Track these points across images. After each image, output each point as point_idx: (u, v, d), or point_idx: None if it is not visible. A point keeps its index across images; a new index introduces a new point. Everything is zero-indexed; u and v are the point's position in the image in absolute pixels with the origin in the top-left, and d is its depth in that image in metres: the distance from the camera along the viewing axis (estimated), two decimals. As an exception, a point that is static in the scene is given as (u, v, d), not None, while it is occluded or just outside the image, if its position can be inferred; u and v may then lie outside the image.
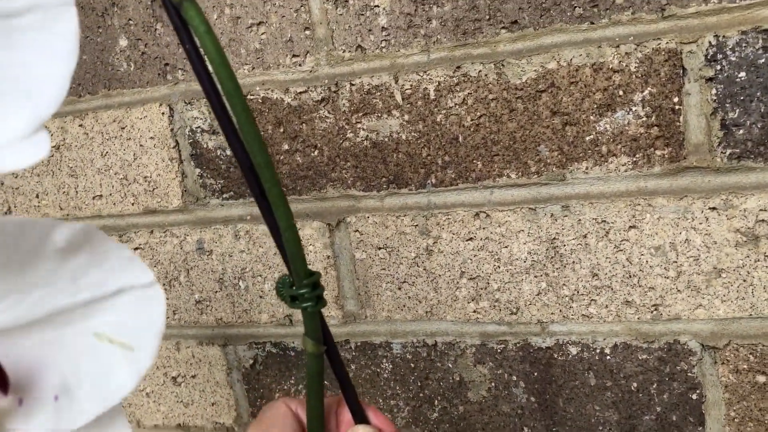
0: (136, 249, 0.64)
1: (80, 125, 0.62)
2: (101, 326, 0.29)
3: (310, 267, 0.57)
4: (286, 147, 0.56)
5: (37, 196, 0.65)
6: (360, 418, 0.38)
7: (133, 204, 0.62)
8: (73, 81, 0.61)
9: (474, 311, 0.55)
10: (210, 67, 0.32)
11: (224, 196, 0.59)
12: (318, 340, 0.36)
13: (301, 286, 0.34)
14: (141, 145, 0.61)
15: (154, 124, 0.60)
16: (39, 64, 0.27)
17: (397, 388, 0.59)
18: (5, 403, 0.27)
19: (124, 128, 0.61)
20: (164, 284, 0.63)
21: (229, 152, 0.58)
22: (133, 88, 0.59)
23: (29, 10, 0.27)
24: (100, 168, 0.62)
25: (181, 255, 0.62)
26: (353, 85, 0.53)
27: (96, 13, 0.59)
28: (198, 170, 0.59)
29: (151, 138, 0.60)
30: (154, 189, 0.61)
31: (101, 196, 0.63)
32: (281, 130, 0.56)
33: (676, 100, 0.47)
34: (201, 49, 0.31)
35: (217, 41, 0.30)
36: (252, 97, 0.56)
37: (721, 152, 0.46)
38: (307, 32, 0.54)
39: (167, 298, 0.64)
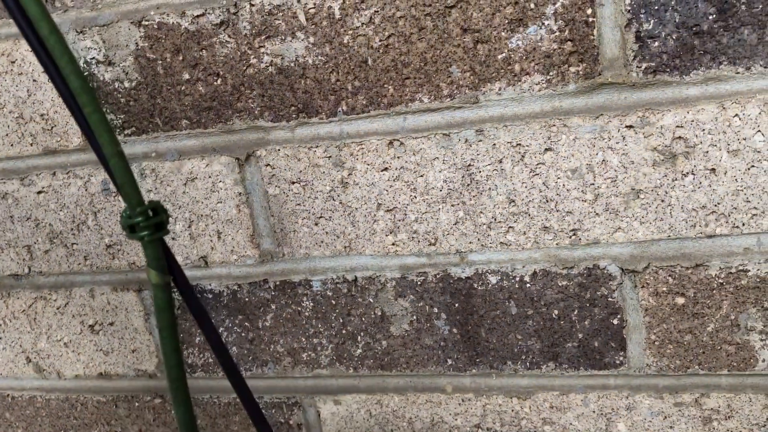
0: (39, 192, 0.60)
1: (-33, 60, 0.57)
2: None
3: (220, 205, 0.55)
4: (186, 76, 0.53)
5: (-71, 140, 0.61)
6: (222, 356, 0.36)
7: (31, 144, 0.58)
8: (-46, 11, 0.56)
9: (393, 244, 0.53)
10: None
11: (126, 132, 0.55)
12: (161, 270, 0.33)
13: (136, 215, 0.32)
14: (34, 80, 0.56)
15: (45, 56, 0.55)
16: None
17: (320, 326, 0.57)
18: None
19: (14, 62, 0.56)
20: (72, 228, 0.60)
21: (127, 84, 0.54)
22: (20, 17, 0.55)
23: None
24: (-8, 107, 0.58)
25: (87, 197, 0.59)
26: (253, 5, 0.49)
27: (-28, -65, 0.54)
28: (97, 105, 0.55)
29: (44, 72, 0.56)
30: (52, 128, 0.57)
31: (-3, 137, 0.59)
32: (180, 58, 0.52)
33: (589, 11, 0.44)
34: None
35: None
36: (147, 22, 0.52)
37: (637, 66, 0.44)
38: (201, -51, 0.49)
39: (76, 243, 0.60)
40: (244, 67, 0.51)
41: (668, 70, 0.44)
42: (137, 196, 0.32)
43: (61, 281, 0.63)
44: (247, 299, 0.58)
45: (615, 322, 0.50)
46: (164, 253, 0.34)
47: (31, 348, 0.66)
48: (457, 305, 0.53)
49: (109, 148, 0.31)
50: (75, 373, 0.66)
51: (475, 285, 0.52)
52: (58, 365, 0.66)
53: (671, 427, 0.52)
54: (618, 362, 0.51)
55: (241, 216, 0.55)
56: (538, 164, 0.48)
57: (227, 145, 0.54)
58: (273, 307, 0.58)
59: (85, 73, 0.55)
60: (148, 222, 0.32)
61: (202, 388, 0.63)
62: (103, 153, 0.32)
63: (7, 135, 0.59)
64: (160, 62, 0.53)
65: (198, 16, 0.51)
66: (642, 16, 0.43)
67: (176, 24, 0.51)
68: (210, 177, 0.55)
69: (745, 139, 0.44)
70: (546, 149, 0.47)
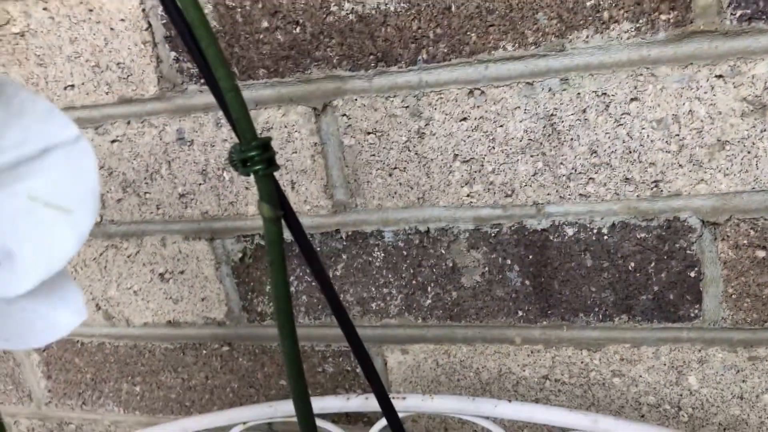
0: (113, 141, 0.61)
1: (44, 8, 0.58)
2: (35, 189, 0.27)
3: (295, 155, 0.55)
4: (265, 24, 0.53)
5: (5, 89, 0.62)
6: (328, 292, 0.37)
7: (107, 93, 0.59)
8: (33, -41, 0.57)
9: (467, 195, 0.53)
10: None
11: (202, 81, 0.56)
12: (274, 205, 0.34)
13: (250, 149, 0.32)
14: (111, 29, 0.57)
15: (124, 4, 0.56)
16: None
17: (390, 276, 0.58)
18: None
19: (92, 10, 0.57)
20: (145, 178, 0.61)
21: (205, 33, 0.54)
22: (99, -36, 0.55)
23: None
24: (69, 55, 0.59)
25: (161, 146, 0.59)
26: (336, -47, 0.49)
27: None
28: (173, 53, 0.56)
29: (122, 20, 0.56)
30: (128, 76, 0.58)
31: (73, 86, 0.60)
32: (260, 5, 0.52)
33: (684, -43, 0.43)
34: None
35: None
36: (227, -30, 0.52)
37: (731, 14, 0.44)
38: None
39: (149, 192, 0.61)
40: (324, 15, 0.51)
41: (764, 17, 0.43)
42: (252, 130, 0.32)
43: (132, 230, 0.64)
44: (318, 249, 0.59)
45: (692, 274, 0.50)
46: (275, 189, 0.34)
47: (101, 295, 0.68)
48: (531, 257, 0.53)
49: (226, 82, 0.32)
50: (144, 320, 0.67)
51: (551, 237, 0.52)
52: (127, 313, 0.67)
53: (744, 380, 0.52)
54: (692, 315, 0.51)
55: (315, 166, 0.56)
56: (622, 114, 0.48)
57: (304, 95, 0.54)
58: (344, 257, 0.58)
59: (164, 21, 0.55)
60: (262, 156, 0.32)
61: (271, 336, 0.64)
62: (219, 87, 0.32)
63: (83, 84, 0.59)
64: (239, 10, 0.53)
65: (279, -37, 0.51)
66: (740, -39, 0.42)
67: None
68: (286, 127, 0.55)
69: (840, 89, 0.43)
70: (632, 99, 0.47)
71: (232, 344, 0.66)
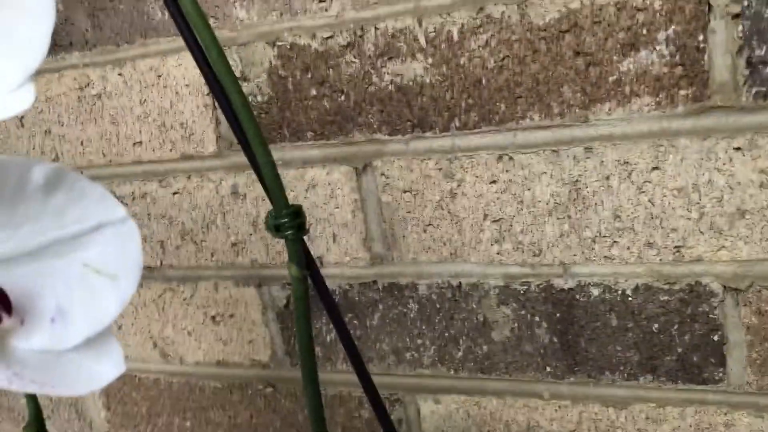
0: (175, 193, 0.66)
1: (119, 74, 0.64)
2: (88, 259, 0.32)
3: (337, 210, 0.59)
4: (314, 92, 0.58)
5: (82, 144, 0.68)
6: (348, 346, 0.40)
7: (171, 150, 0.65)
8: (112, 31, 0.64)
9: (497, 253, 0.56)
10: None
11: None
12: (301, 265, 0.38)
13: (281, 216, 0.36)
14: (177, 93, 0.63)
15: (188, 71, 0.62)
16: (23, 24, 0.29)
17: (423, 327, 0.61)
18: (9, 323, 0.30)
19: (160, 76, 0.63)
20: (202, 227, 0.66)
21: (260, 98, 0.60)
22: (168, 36, 0.61)
23: None
24: (139, 115, 0.65)
25: (217, 199, 0.64)
26: (378, 29, 0.54)
27: (131, -36, 0.61)
28: (231, 116, 0.61)
29: (186, 85, 0.62)
30: (190, 135, 0.64)
31: (141, 142, 0.66)
32: (309, 75, 0.57)
33: (701, 38, 0.46)
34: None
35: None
36: (280, 43, 0.57)
37: (747, 91, 0.46)
38: (333, -23, 0.54)
39: (205, 240, 0.66)
40: (366, 85, 0.56)
41: (779, 94, 0.45)
42: (284, 199, 0.37)
43: (188, 275, 0.69)
44: (356, 299, 0.62)
45: (715, 338, 0.51)
46: (303, 251, 0.38)
47: (158, 334, 0.73)
48: (558, 315, 0.56)
49: (263, 157, 0.36)
50: (196, 359, 0.72)
51: (577, 296, 0.54)
52: (181, 351, 0.72)
53: (770, 446, 0.53)
54: (717, 378, 0.52)
55: (355, 221, 0.60)
56: (644, 182, 0.50)
57: (347, 156, 0.58)
58: (380, 307, 0.62)
59: (223, 87, 0.61)
60: (293, 223, 0.36)
61: (311, 380, 0.67)
62: (257, 161, 0.36)
63: (150, 141, 0.65)
64: (291, 79, 0.58)
65: (327, 38, 0.56)
66: (754, 42, 0.45)
67: (307, 45, 0.56)
68: (330, 184, 0.60)
69: None
70: (653, 168, 0.49)
71: (275, 386, 0.69)
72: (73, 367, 0.32)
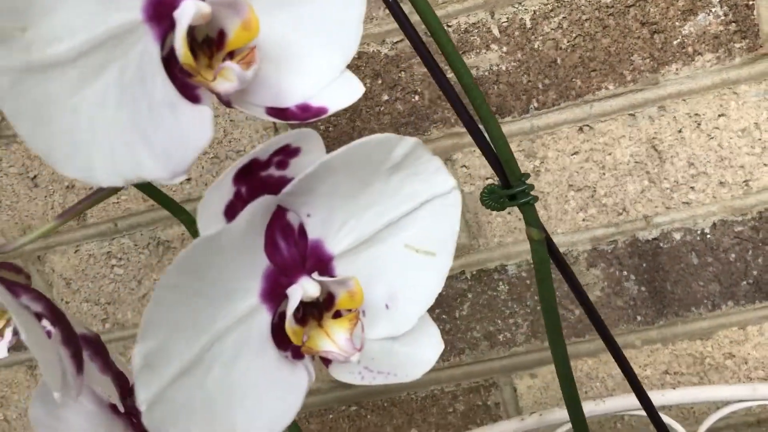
0: (232, 226, 0.64)
1: (161, 111, 0.61)
2: (408, 238, 0.32)
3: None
4: (385, 97, 0.59)
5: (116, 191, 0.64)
6: (587, 306, 0.42)
7: (225, 181, 0.63)
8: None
9: (583, 220, 0.60)
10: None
11: (326, 155, 0.61)
12: (540, 228, 0.40)
13: (520, 184, 0.38)
14: (231, 120, 0.61)
15: (243, 96, 0.60)
16: (336, 12, 0.30)
17: (515, 306, 0.63)
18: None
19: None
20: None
21: (327, 112, 0.60)
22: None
23: None
24: (187, 151, 0.62)
25: (284, 223, 0.63)
26: (450, 26, 0.57)
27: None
28: (296, 135, 0.61)
29: (242, 111, 0.61)
30: (247, 162, 0.62)
31: (190, 179, 0.63)
32: (379, 81, 0.59)
33: (750, -4, 0.54)
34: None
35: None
36: (348, 53, 0.58)
37: (792, 36, 0.54)
38: (400, -17, 0.56)
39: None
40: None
41: (818, 35, 0.54)
42: (518, 169, 0.38)
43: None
44: (444, 292, 0.64)
45: (784, 255, 0.59)
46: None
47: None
48: (644, 265, 0.61)
49: (497, 131, 0.38)
50: (266, 397, 0.69)
51: (661, 244, 0.60)
52: (247, 393, 0.69)
53: (837, 339, 0.61)
54: (788, 290, 0.60)
55: (438, 217, 0.61)
56: (713, 129, 0.57)
57: (425, 154, 0.60)
58: (469, 296, 0.64)
59: (287, 107, 0.60)
60: (528, 188, 0.38)
61: (399, 387, 0.67)
62: (492, 137, 0.38)
63: (200, 176, 0.63)
64: (361, 87, 0.59)
65: (397, 42, 0.57)
66: (794, -6, 0.53)
67: (376, 52, 0.58)
68: (410, 185, 0.61)
69: None
70: (719, 115, 0.56)
71: (359, 402, 0.68)
72: (406, 352, 0.32)
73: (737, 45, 0.55)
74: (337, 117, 0.60)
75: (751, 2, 0.54)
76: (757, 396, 0.53)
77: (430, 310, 0.64)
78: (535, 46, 0.56)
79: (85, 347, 0.31)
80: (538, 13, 0.56)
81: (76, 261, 0.67)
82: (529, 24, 0.56)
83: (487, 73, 0.57)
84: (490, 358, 0.65)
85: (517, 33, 0.56)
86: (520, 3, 0.56)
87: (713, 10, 0.54)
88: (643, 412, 0.55)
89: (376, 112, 0.59)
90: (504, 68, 0.57)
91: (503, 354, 0.65)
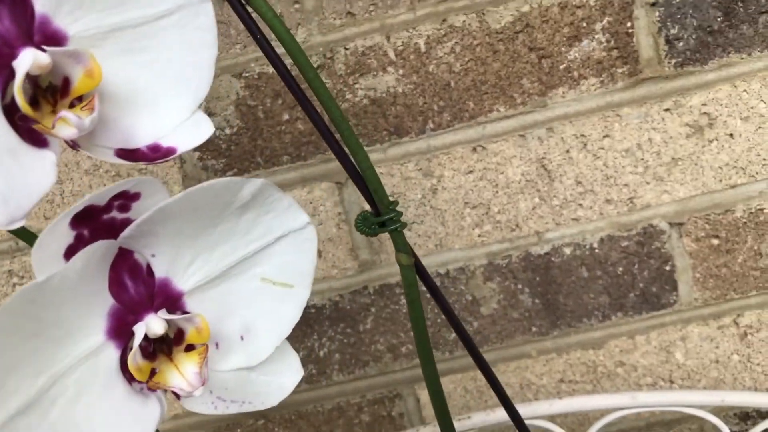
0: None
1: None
2: (266, 272, 0.33)
3: (321, 226, 0.62)
4: (286, 117, 0.60)
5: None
6: (456, 326, 0.44)
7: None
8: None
9: (479, 235, 0.62)
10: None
11: (228, 174, 0.62)
12: (409, 253, 0.42)
13: (388, 212, 0.40)
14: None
15: (144, 115, 0.60)
16: (188, 55, 0.31)
17: (417, 319, 0.65)
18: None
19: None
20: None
21: (228, 131, 0.60)
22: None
23: (172, 12, 0.30)
24: (88, 169, 0.62)
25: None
26: (347, 49, 0.58)
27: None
28: (197, 153, 0.61)
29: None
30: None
31: (91, 197, 0.63)
32: (280, 101, 0.60)
33: (629, 24, 0.56)
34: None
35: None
36: (247, 74, 0.59)
37: (668, 62, 0.57)
38: (297, 5, 0.57)
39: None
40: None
41: (692, 62, 0.57)
42: (387, 198, 0.40)
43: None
44: (348, 307, 0.65)
45: (667, 268, 0.63)
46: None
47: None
48: (537, 278, 0.63)
49: (365, 162, 0.39)
50: (173, 412, 0.69)
51: (553, 258, 0.63)
52: (155, 409, 0.69)
53: (717, 347, 0.65)
54: (672, 301, 0.63)
55: (340, 233, 0.63)
56: (598, 149, 0.60)
57: (326, 173, 0.61)
58: (372, 310, 0.65)
59: (188, 125, 0.60)
60: (398, 215, 0.40)
61: (305, 400, 0.68)
62: (360, 168, 0.39)
63: (102, 193, 0.63)
64: (261, 107, 0.60)
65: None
66: (669, 24, 0.56)
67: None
68: (311, 202, 0.62)
69: (752, 108, 0.58)
70: (604, 136, 0.59)
71: (266, 416, 0.69)
72: (262, 381, 0.33)
73: (619, 70, 0.58)
74: (239, 137, 0.61)
75: (631, 30, 0.57)
76: (637, 404, 0.56)
77: (335, 324, 0.65)
78: (430, 69, 0.58)
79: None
80: (431, 37, 0.57)
81: (-24, 279, 0.66)
82: (423, 48, 0.58)
83: (384, 95, 0.59)
84: (393, 370, 0.67)
85: (412, 56, 0.58)
86: (414, 27, 0.57)
87: (596, 36, 0.57)
88: (537, 421, 0.57)
89: (277, 131, 0.60)
90: (401, 90, 0.59)
91: (406, 366, 0.67)
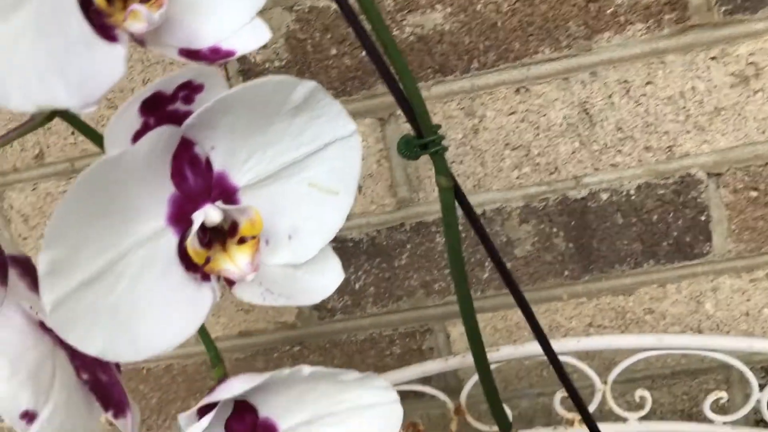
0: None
1: (117, 55, 0.63)
2: (314, 177, 0.35)
3: (363, 161, 0.63)
4: (334, 51, 0.61)
5: (73, 133, 0.66)
6: (489, 249, 0.46)
7: (178, 127, 0.65)
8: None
9: (517, 177, 0.64)
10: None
11: (275, 105, 0.63)
12: (449, 176, 0.43)
13: (431, 134, 0.41)
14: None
15: (197, 45, 0.62)
16: None
17: (451, 257, 0.67)
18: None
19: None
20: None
21: (278, 63, 0.62)
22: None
23: None
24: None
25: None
26: (396, -15, 0.59)
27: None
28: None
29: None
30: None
31: (144, 123, 0.65)
32: (329, 35, 0.61)
33: (680, -31, 0.56)
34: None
35: None
36: (298, 7, 0.60)
37: (717, 10, 0.57)
38: (349, -60, 0.58)
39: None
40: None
41: (742, 10, 0.57)
42: (430, 120, 0.41)
43: (203, 251, 0.69)
44: (384, 243, 0.67)
45: (702, 218, 0.63)
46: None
47: (169, 318, 0.72)
48: (573, 223, 0.64)
49: (410, 86, 0.40)
50: (215, 335, 0.72)
51: (589, 203, 0.64)
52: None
53: (748, 299, 0.65)
54: (705, 252, 0.64)
55: (381, 169, 0.64)
56: (640, 95, 0.60)
57: (370, 109, 0.63)
58: (408, 246, 0.67)
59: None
60: (439, 138, 0.41)
61: (340, 330, 0.71)
62: (406, 90, 0.41)
63: (154, 120, 0.65)
64: (310, 41, 0.61)
65: (345, -2, 0.60)
66: (721, -31, 0.56)
67: (326, 6, 0.60)
68: (354, 137, 0.64)
69: (801, 59, 0.57)
70: (647, 83, 0.59)
71: (303, 342, 0.72)
72: (308, 279, 0.35)
73: (667, 16, 0.58)
74: (287, 70, 0.62)
75: (681, -25, 0.56)
76: (663, 345, 0.57)
77: (371, 258, 0.67)
78: (478, 9, 0.59)
79: (14, 266, 0.34)
80: (480, -24, 0.58)
81: (33, 198, 0.69)
82: (471, -14, 0.58)
83: (431, 33, 0.60)
84: (425, 306, 0.69)
85: (460, -5, 0.59)
86: (463, -34, 0.58)
87: (645, -19, 0.57)
88: (564, 357, 0.59)
89: (325, 66, 0.62)
90: (447, 28, 0.60)
91: (438, 302, 0.69)
